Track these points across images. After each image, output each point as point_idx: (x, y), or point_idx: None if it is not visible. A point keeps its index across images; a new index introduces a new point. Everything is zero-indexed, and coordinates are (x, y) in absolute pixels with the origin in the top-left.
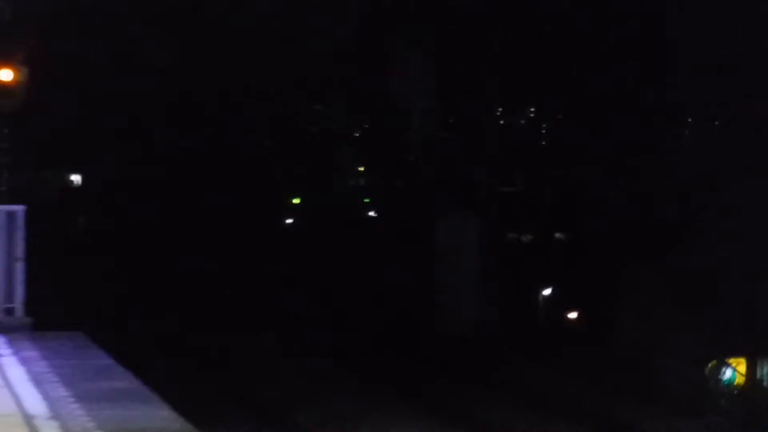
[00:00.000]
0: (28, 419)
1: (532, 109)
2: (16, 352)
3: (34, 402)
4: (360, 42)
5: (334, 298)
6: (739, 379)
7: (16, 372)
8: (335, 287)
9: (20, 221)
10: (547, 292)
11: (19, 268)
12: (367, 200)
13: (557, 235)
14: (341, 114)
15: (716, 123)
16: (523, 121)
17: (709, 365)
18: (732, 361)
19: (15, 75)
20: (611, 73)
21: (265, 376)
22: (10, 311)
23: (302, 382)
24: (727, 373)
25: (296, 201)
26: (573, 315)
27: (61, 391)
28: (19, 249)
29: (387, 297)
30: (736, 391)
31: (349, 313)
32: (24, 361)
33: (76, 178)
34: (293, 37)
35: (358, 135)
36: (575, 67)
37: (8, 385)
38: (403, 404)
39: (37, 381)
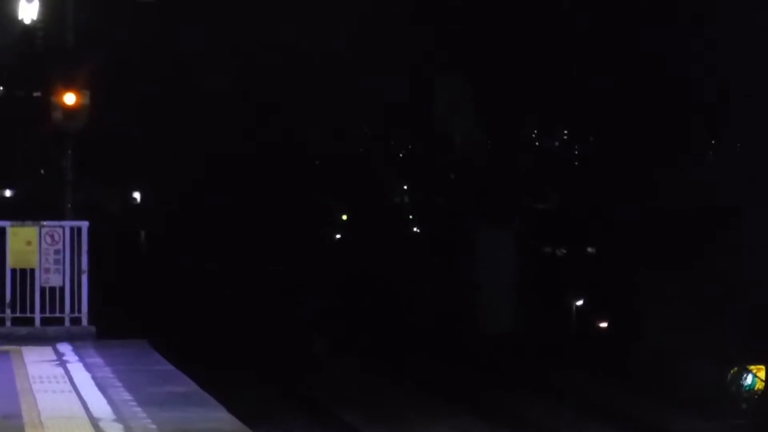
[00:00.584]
0: (94, 421)
1: (565, 132)
2: (82, 359)
3: (99, 405)
4: (406, 69)
5: (381, 306)
6: (759, 385)
7: (83, 377)
8: (382, 296)
9: (85, 236)
10: (579, 302)
11: (84, 279)
12: (411, 216)
13: (589, 249)
14: (388, 136)
15: (738, 144)
16: (557, 143)
17: (731, 371)
18: (753, 367)
19: (78, 98)
20: (639, 98)
21: (314, 377)
22: (76, 320)
23: (349, 382)
24: (748, 379)
25: (345, 217)
26: (603, 324)
27: (124, 395)
28: (84, 262)
29: (430, 305)
30: (756, 396)
31: (395, 319)
32: (89, 367)
33: (137, 195)
34: (344, 64)
35: (402, 155)
36: (607, 93)
37: (75, 389)
38: (448, 403)
39: (102, 386)
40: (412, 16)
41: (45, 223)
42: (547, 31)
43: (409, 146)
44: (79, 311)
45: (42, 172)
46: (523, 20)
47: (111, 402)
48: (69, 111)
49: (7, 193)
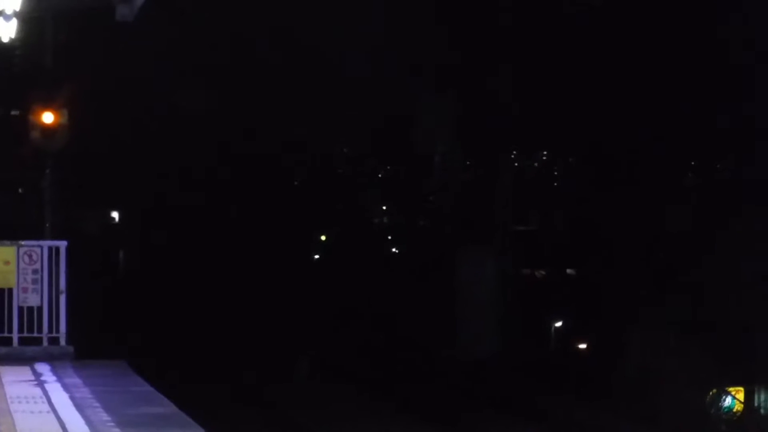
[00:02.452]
0: None
1: (545, 153)
2: (61, 379)
3: (77, 426)
4: (386, 89)
5: (359, 328)
6: (738, 407)
7: (61, 398)
8: (360, 318)
9: (63, 255)
10: (558, 324)
11: (62, 299)
12: (390, 237)
13: (568, 270)
14: (368, 157)
15: (717, 166)
16: (536, 164)
17: (710, 393)
18: (732, 389)
19: (56, 117)
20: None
21: (296, 401)
22: (54, 340)
23: (330, 406)
24: (727, 401)
25: (323, 238)
26: (582, 345)
27: (103, 416)
28: (62, 282)
29: (409, 327)
30: (735, 418)
31: (372, 342)
32: (68, 388)
33: (115, 215)
34: (325, 84)
35: (381, 176)
36: (586, 114)
37: (53, 410)
38: (427, 425)
39: (80, 406)
40: (395, 37)
41: (23, 242)
42: (527, 50)
43: (388, 167)
44: (58, 331)
45: (20, 191)
46: (503, 41)
47: (89, 423)
48: (47, 130)
49: None
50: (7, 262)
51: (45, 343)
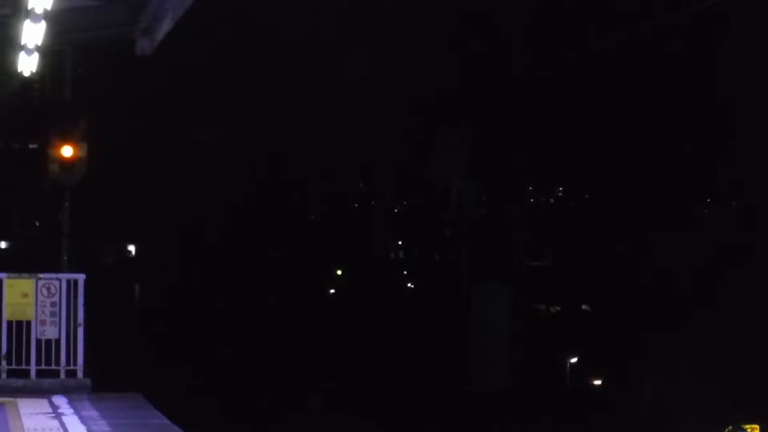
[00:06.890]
0: None
1: (561, 189)
2: (78, 411)
3: None
4: (402, 125)
5: (374, 361)
6: None
7: (78, 430)
8: (375, 351)
9: (81, 288)
10: (573, 360)
11: (80, 332)
12: (405, 272)
13: (583, 306)
14: (383, 192)
15: (733, 203)
16: (552, 200)
17: (726, 430)
18: (747, 426)
19: (75, 151)
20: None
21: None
22: (71, 373)
23: None
24: None
25: (339, 272)
26: (597, 382)
27: None
28: (80, 314)
29: (424, 361)
30: None
31: (388, 375)
32: (85, 420)
33: (131, 249)
34: (340, 119)
35: (397, 210)
36: (601, 150)
37: None
38: None
39: None
40: (410, 70)
41: (42, 275)
42: (544, 87)
43: (404, 202)
44: (75, 364)
45: (38, 224)
46: (517, 75)
47: None
48: (66, 163)
49: (2, 245)
50: (25, 295)
51: (62, 375)
